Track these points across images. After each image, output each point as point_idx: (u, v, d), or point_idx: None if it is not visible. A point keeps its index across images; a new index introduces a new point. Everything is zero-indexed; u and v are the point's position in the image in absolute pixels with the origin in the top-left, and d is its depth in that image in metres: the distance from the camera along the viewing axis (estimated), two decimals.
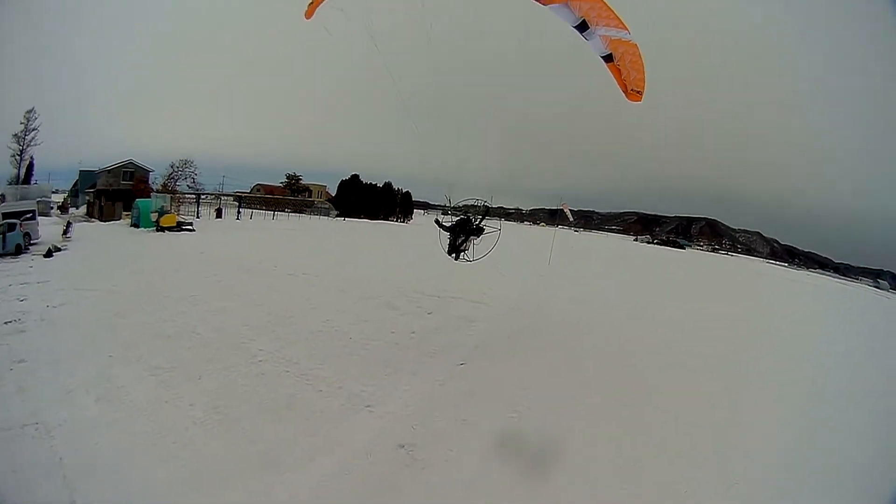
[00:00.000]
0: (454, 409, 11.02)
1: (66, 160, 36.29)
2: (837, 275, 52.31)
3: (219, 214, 39.28)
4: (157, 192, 35.82)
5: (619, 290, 31.34)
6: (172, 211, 34.37)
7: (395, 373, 12.78)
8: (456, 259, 14.86)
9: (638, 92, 10.71)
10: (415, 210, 52.26)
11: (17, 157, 36.46)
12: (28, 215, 24.91)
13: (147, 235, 31.62)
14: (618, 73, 10.59)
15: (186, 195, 36.93)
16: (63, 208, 39.02)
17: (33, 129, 35.60)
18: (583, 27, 10.05)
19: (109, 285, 18.16)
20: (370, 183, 48.90)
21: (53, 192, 37.28)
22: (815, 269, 54.14)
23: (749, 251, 62.88)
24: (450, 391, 12.05)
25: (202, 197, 39.65)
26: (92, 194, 37.51)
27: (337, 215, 45.86)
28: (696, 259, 53.57)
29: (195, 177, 36.98)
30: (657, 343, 18.56)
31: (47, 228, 27.82)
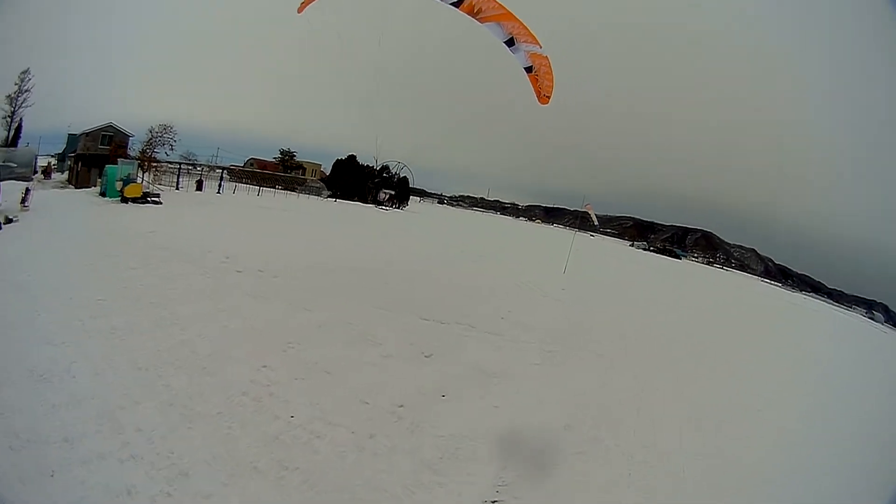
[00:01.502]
0: None
1: (58, 123, 32.96)
2: (831, 300, 47.30)
3: (199, 187, 34.26)
4: (132, 158, 29.98)
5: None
6: (141, 181, 28.71)
7: None
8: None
9: (547, 97, 12.25)
10: (411, 196, 46.68)
11: (8, 119, 31.15)
12: None
13: (106, 207, 25.57)
14: (535, 81, 12.22)
15: (168, 164, 31.27)
16: (47, 173, 33.44)
17: (26, 91, 30.28)
18: (510, 43, 11.82)
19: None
20: (367, 165, 42.83)
21: (40, 157, 32.14)
22: (809, 291, 49.23)
23: (743, 267, 58.16)
24: None
25: (193, 168, 34.43)
26: (72, 159, 31.84)
27: (329, 196, 39.75)
28: (699, 273, 48.69)
29: (174, 143, 31.20)
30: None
31: (15, 196, 21.87)
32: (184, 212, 27.18)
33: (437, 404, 10.15)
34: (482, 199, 45.16)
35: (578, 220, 43.11)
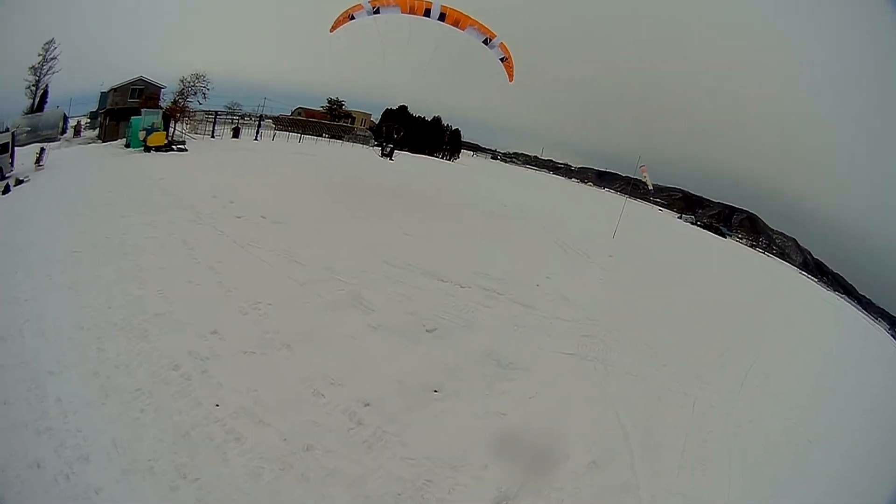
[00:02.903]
0: None
1: (91, 85, 28.25)
2: (860, 306, 41.46)
3: (235, 134, 31.60)
4: (162, 109, 27.09)
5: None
6: (173, 131, 25.89)
7: None
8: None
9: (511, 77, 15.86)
10: (463, 150, 43.10)
11: (33, 89, 28.86)
12: None
13: (124, 157, 22.67)
14: (509, 68, 15.66)
15: (204, 113, 28.53)
16: (77, 132, 31.22)
17: (52, 59, 27.86)
18: (486, 42, 15.20)
19: None
20: (419, 116, 39.00)
21: (74, 118, 30.00)
22: (841, 292, 43.62)
23: (783, 255, 52.55)
24: None
25: (238, 118, 31.41)
26: (102, 115, 29.31)
27: (375, 145, 36.16)
28: (744, 255, 43.47)
29: (206, 91, 28.07)
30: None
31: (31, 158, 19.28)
32: (208, 158, 24.00)
33: (420, 406, 6.82)
34: (536, 157, 41.28)
35: (630, 187, 37.91)
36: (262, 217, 13.50)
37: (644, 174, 32.44)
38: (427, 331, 8.77)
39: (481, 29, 14.99)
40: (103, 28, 30.25)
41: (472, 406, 7.02)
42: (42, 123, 24.44)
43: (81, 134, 29.69)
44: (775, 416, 10.21)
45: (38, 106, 28.24)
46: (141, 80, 28.26)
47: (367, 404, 6.48)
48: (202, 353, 6.97)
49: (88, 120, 31.41)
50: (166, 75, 28.79)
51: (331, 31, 15.23)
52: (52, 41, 27.41)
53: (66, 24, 28.55)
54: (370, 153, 25.13)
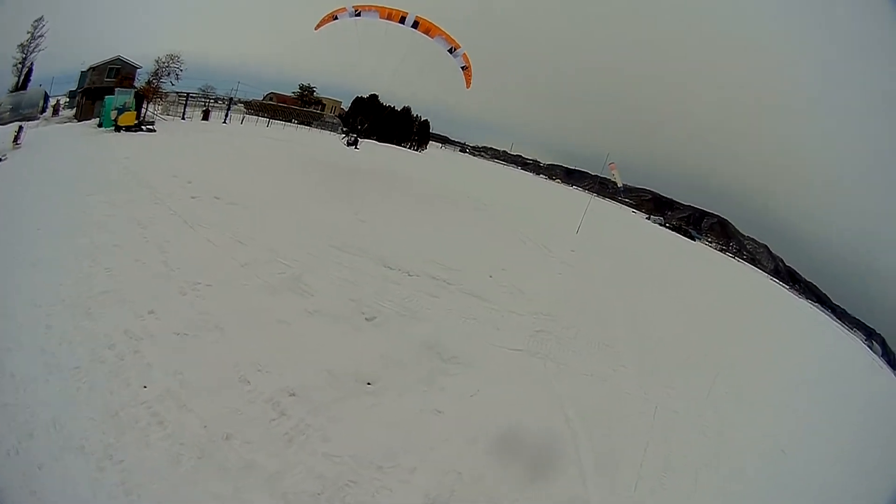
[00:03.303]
0: None
1: (73, 64, 27.26)
2: (834, 315, 41.41)
3: (205, 117, 30.66)
4: (135, 89, 26.11)
5: None
6: (145, 111, 24.97)
7: None
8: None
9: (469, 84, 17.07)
10: (432, 142, 42.47)
11: (19, 66, 27.42)
12: None
13: (96, 137, 21.63)
14: (467, 75, 16.67)
15: (176, 94, 27.44)
16: (55, 111, 29.93)
17: (39, 36, 26.49)
18: (451, 51, 16.30)
19: None
20: (389, 106, 38.29)
21: (55, 97, 28.81)
22: (814, 300, 43.53)
23: (753, 261, 52.27)
24: None
25: (210, 100, 30.26)
26: (80, 94, 28.08)
27: (344, 132, 35.63)
28: (713, 258, 43.12)
29: (179, 73, 27.00)
30: None
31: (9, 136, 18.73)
32: (175, 139, 23.14)
33: (349, 399, 6.36)
34: (504, 152, 40.84)
35: (598, 185, 37.58)
36: (217, 198, 12.83)
37: (613, 171, 31.83)
38: (367, 319, 8.26)
39: (448, 39, 16.64)
40: (89, 6, 29.11)
41: (406, 401, 6.57)
42: (25, 102, 23.30)
43: (60, 113, 28.54)
44: (745, 425, 9.43)
45: (23, 84, 27.05)
46: (118, 60, 27.11)
47: (293, 394, 6.06)
48: (137, 332, 6.66)
49: (67, 99, 30.20)
50: (145, 56, 27.82)
51: (315, 29, 17.25)
52: (41, 18, 26.30)
53: (56, 1, 27.43)
54: (336, 140, 25.30)
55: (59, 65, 29.10)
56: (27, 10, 25.50)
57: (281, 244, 10.50)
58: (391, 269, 10.91)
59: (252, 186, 14.86)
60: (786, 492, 7.85)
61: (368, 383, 6.69)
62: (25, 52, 26.39)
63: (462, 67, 17.12)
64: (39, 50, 26.57)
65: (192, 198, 12.48)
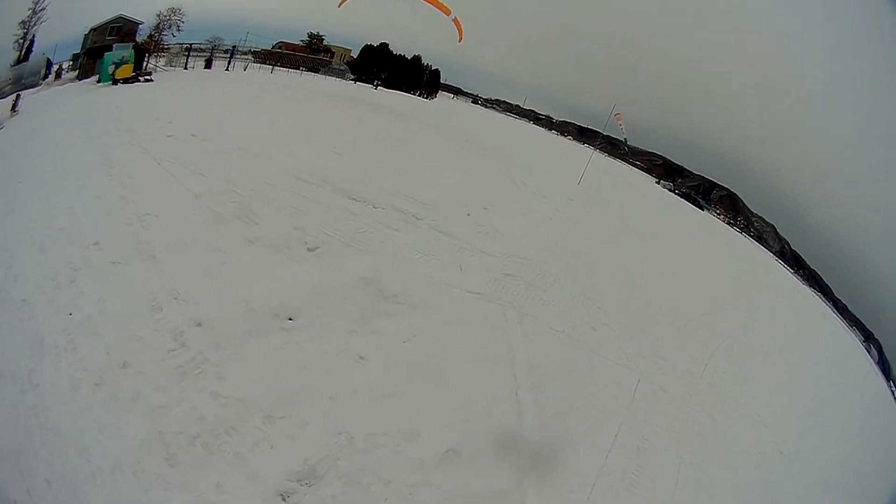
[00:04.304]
0: None
1: (76, 29, 25.12)
2: (836, 309, 38.34)
3: (207, 65, 29.41)
4: (133, 43, 25.07)
5: None
6: (146, 64, 24.03)
7: None
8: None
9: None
10: (442, 91, 40.90)
11: (21, 42, 26.25)
12: None
13: (94, 91, 20.33)
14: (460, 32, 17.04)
15: (179, 46, 26.36)
16: (58, 74, 28.91)
17: (41, 10, 25.07)
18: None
19: None
20: (399, 54, 36.77)
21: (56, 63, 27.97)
22: (816, 290, 40.64)
23: (760, 239, 49.57)
24: None
25: (214, 50, 29.94)
26: (82, 55, 27.14)
27: (352, 79, 34.50)
28: (722, 231, 40.05)
29: (180, 25, 25.71)
30: None
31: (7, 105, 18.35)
32: (169, 87, 21.06)
33: (260, 335, 5.47)
34: (517, 106, 38.60)
35: (609, 145, 35.59)
36: (192, 135, 11.95)
37: (619, 122, 29.55)
38: (308, 249, 7.19)
39: (438, 7, 16.64)
40: None
41: (326, 343, 5.53)
42: (27, 72, 22.77)
43: (63, 76, 27.61)
44: (743, 415, 7.53)
45: (24, 56, 26.06)
46: (120, 18, 26.08)
47: (199, 324, 5.30)
48: (78, 263, 6.20)
49: (71, 62, 29.18)
50: (149, 13, 26.64)
51: (339, 6, 18.01)
52: None
53: None
54: (335, 82, 24.78)
55: (61, 33, 27.94)
56: None
57: (241, 176, 9.37)
58: (355, 200, 9.50)
59: (232, 124, 13.79)
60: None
61: (290, 318, 5.74)
62: (27, 27, 25.35)
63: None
64: (42, 22, 25.52)
65: (168, 136, 11.66)
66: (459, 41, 17.99)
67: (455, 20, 17.12)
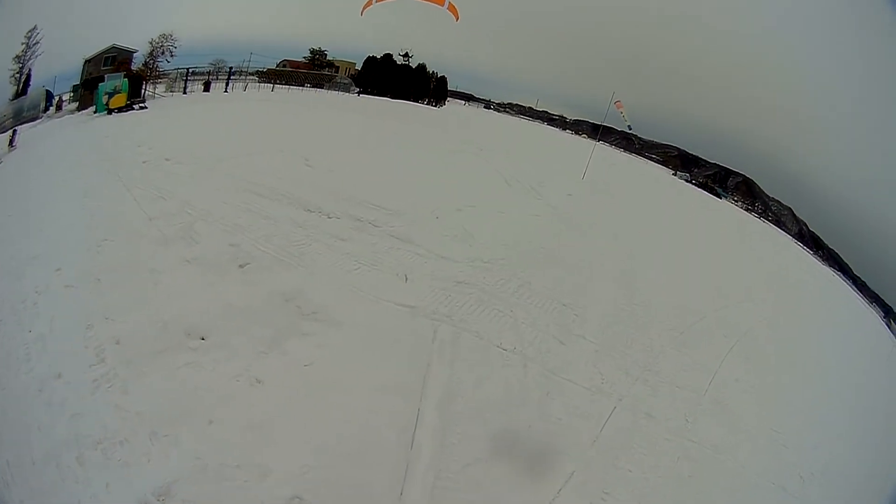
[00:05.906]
0: None
1: (75, 57, 25.97)
2: (855, 286, 36.68)
3: (206, 88, 29.90)
4: (125, 72, 25.77)
5: None
6: (144, 91, 24.62)
7: None
8: None
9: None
10: (455, 99, 40.64)
11: (17, 76, 27.18)
12: None
13: (88, 122, 20.77)
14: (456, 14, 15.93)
15: (176, 71, 26.91)
16: (58, 106, 29.82)
17: (35, 44, 25.99)
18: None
19: None
20: (403, 63, 36.71)
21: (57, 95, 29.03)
22: (836, 269, 39.03)
23: (778, 223, 47.92)
24: None
25: (218, 74, 30.57)
26: (80, 87, 28.03)
27: (358, 92, 34.75)
28: (742, 218, 37.64)
29: (173, 50, 26.18)
30: None
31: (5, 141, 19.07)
32: (162, 113, 21.28)
33: (170, 353, 5.67)
34: (530, 108, 38.27)
35: (625, 141, 34.70)
36: (166, 160, 12.34)
37: (620, 109, 28.67)
38: (239, 266, 7.11)
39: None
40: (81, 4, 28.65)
41: (228, 364, 5.53)
42: (26, 106, 23.45)
43: (63, 108, 28.38)
44: (757, 436, 6.42)
45: (23, 90, 26.87)
46: (114, 48, 26.75)
47: (118, 342, 5.73)
48: (42, 287, 6.67)
49: (71, 94, 30.03)
50: (142, 41, 27.25)
51: (361, 14, 17.52)
52: (34, 28, 26.00)
53: (46, 5, 26.95)
54: (337, 95, 25.07)
55: (60, 65, 28.83)
56: (18, 21, 25.15)
57: (198, 196, 9.67)
58: (309, 211, 9.49)
59: (207, 146, 14.09)
60: None
61: (202, 338, 5.88)
62: (22, 61, 26.11)
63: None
64: (37, 56, 26.25)
65: (144, 162, 12.02)
66: (456, 20, 17.40)
67: (451, 6, 16.75)
